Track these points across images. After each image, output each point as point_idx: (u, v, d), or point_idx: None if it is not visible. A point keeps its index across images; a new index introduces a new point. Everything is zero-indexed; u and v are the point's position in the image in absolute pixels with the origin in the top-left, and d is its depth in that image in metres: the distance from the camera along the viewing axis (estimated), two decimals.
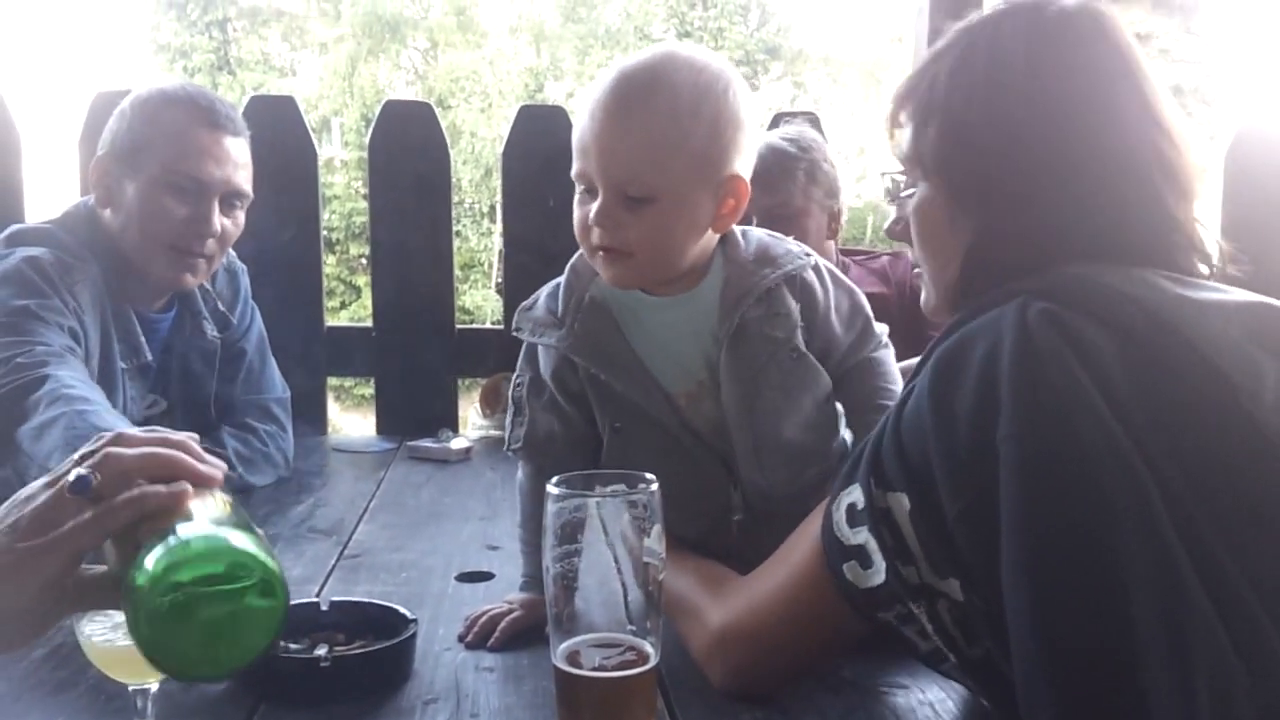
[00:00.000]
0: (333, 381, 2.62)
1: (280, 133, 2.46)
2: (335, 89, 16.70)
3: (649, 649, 0.92)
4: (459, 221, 15.22)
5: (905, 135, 1.02)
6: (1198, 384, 0.82)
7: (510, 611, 1.23)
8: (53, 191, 2.82)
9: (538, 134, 2.54)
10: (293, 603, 0.78)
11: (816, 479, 1.24)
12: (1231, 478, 0.80)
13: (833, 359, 1.29)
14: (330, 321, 2.59)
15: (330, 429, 2.66)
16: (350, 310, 14.19)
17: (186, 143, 1.74)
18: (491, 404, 2.47)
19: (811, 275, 1.28)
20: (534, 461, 1.31)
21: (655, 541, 0.92)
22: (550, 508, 0.92)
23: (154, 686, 0.93)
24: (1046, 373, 0.80)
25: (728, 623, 1.06)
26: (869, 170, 15.65)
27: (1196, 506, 0.78)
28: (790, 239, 1.32)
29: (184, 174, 1.73)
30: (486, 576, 1.44)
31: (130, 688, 0.94)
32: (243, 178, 1.82)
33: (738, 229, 1.29)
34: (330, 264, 14.76)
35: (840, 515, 0.92)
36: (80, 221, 1.80)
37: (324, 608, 1.18)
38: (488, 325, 3.02)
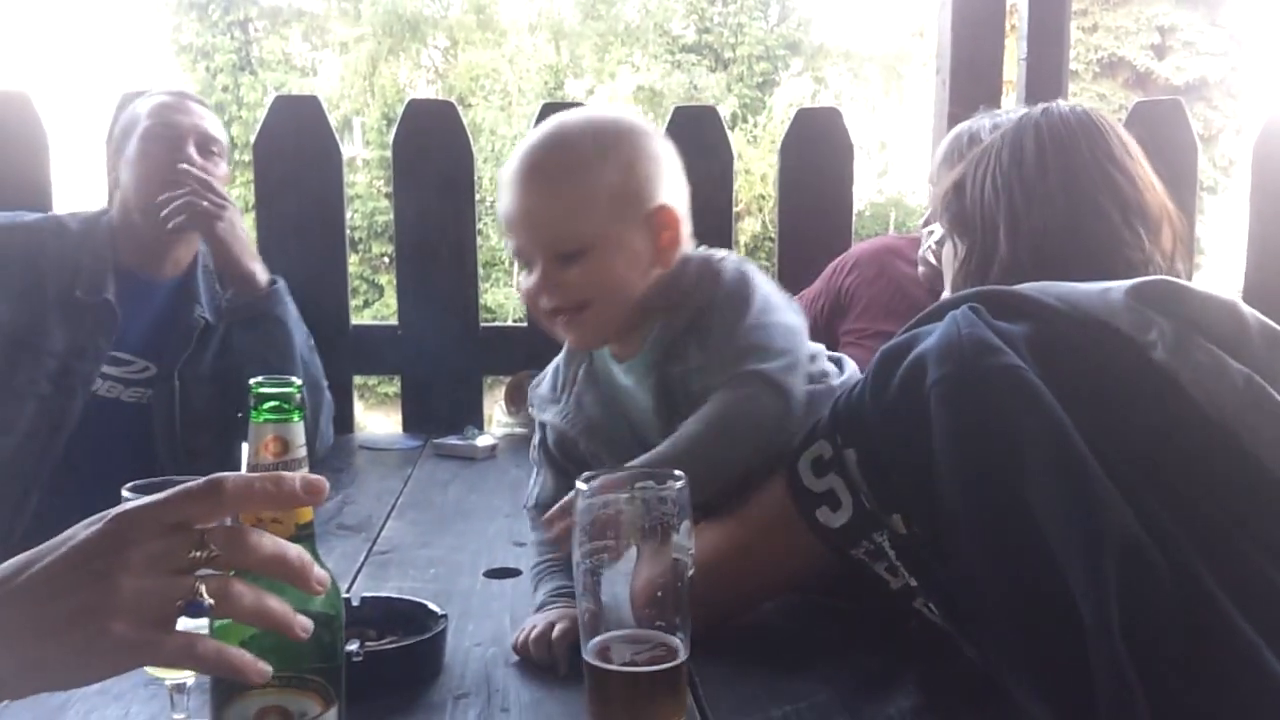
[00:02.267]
0: (358, 380, 2.64)
1: (304, 132, 2.48)
2: (356, 88, 16.75)
3: (678, 644, 0.92)
4: (480, 219, 15.17)
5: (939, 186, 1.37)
6: (1095, 338, 0.98)
7: (551, 626, 1.16)
8: (81, 191, 2.84)
9: None
10: None
11: None
12: (1131, 410, 0.95)
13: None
14: (354, 320, 2.61)
15: (355, 427, 2.67)
16: (373, 309, 14.23)
17: (154, 111, 2.00)
18: (516, 401, 2.47)
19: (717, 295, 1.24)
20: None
21: (684, 537, 0.92)
22: (580, 504, 0.92)
23: (190, 680, 0.94)
24: (964, 337, 0.97)
25: None
26: (890, 166, 15.59)
27: (1099, 438, 0.90)
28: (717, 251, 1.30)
29: (156, 125, 1.98)
30: (514, 573, 1.45)
31: (166, 682, 0.95)
32: (211, 128, 2.04)
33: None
34: (353, 263, 14.79)
35: (804, 468, 1.08)
36: (92, 211, 2.07)
37: (355, 604, 1.19)
38: (511, 323, 3.02)
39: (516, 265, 1.28)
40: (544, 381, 1.38)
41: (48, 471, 1.91)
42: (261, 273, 2.01)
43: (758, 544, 1.15)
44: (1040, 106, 1.28)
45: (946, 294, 1.29)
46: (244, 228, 2.02)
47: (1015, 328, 0.98)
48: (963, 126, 1.86)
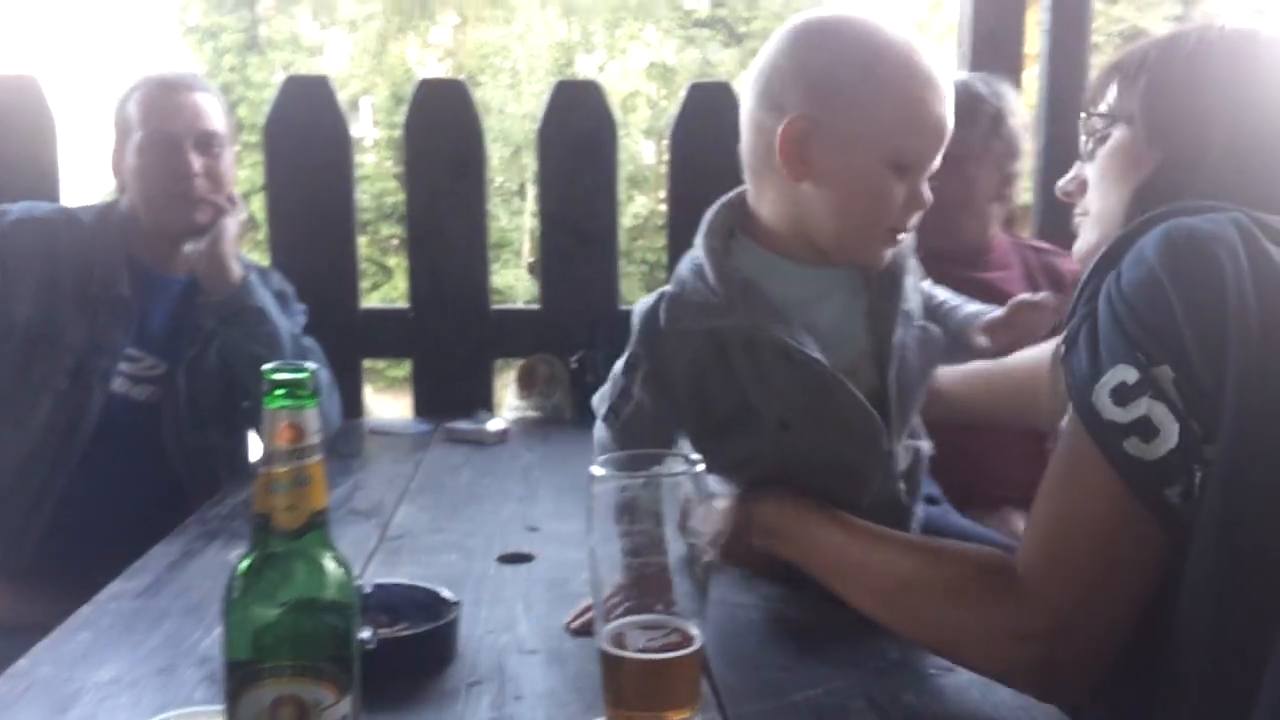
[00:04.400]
0: (366, 363, 2.63)
1: (315, 114, 2.47)
2: (365, 67, 16.73)
3: (694, 631, 0.91)
4: (489, 200, 15.15)
5: (1111, 94, 1.14)
6: None
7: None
8: (89, 175, 2.83)
9: (573, 110, 2.52)
10: None
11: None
12: None
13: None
14: (364, 304, 2.60)
15: (365, 411, 2.67)
16: (381, 291, 14.25)
17: (152, 107, 1.98)
18: (528, 385, 2.47)
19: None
20: (625, 444, 1.20)
21: (699, 522, 0.91)
22: (594, 490, 0.91)
23: None
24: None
25: (1057, 617, 0.95)
26: None
27: None
28: None
29: (155, 131, 1.96)
30: (527, 558, 1.44)
31: None
32: (210, 123, 2.00)
33: None
34: (362, 245, 14.77)
35: (1104, 401, 0.92)
36: (102, 203, 2.08)
37: (367, 590, 1.18)
38: (522, 305, 3.00)
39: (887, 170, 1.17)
40: (686, 291, 1.21)
41: (66, 467, 1.90)
42: (238, 269, 1.99)
43: (1104, 539, 0.95)
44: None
45: (1100, 213, 1.16)
46: (233, 227, 2.01)
47: None
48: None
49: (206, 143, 1.99)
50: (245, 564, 0.75)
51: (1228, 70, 1.08)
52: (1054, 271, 2.04)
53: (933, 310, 1.33)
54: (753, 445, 1.22)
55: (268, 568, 0.74)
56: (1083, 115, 1.19)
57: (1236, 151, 1.05)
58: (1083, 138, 1.19)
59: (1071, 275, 2.00)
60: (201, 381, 2.00)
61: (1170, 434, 0.89)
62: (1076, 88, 2.52)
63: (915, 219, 1.20)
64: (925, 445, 1.32)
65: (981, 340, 1.33)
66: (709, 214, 1.27)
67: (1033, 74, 2.59)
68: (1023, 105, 2.08)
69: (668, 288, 1.25)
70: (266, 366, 0.75)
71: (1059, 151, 2.52)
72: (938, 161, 1.19)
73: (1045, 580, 0.96)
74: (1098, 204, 1.17)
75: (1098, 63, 2.46)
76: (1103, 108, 1.16)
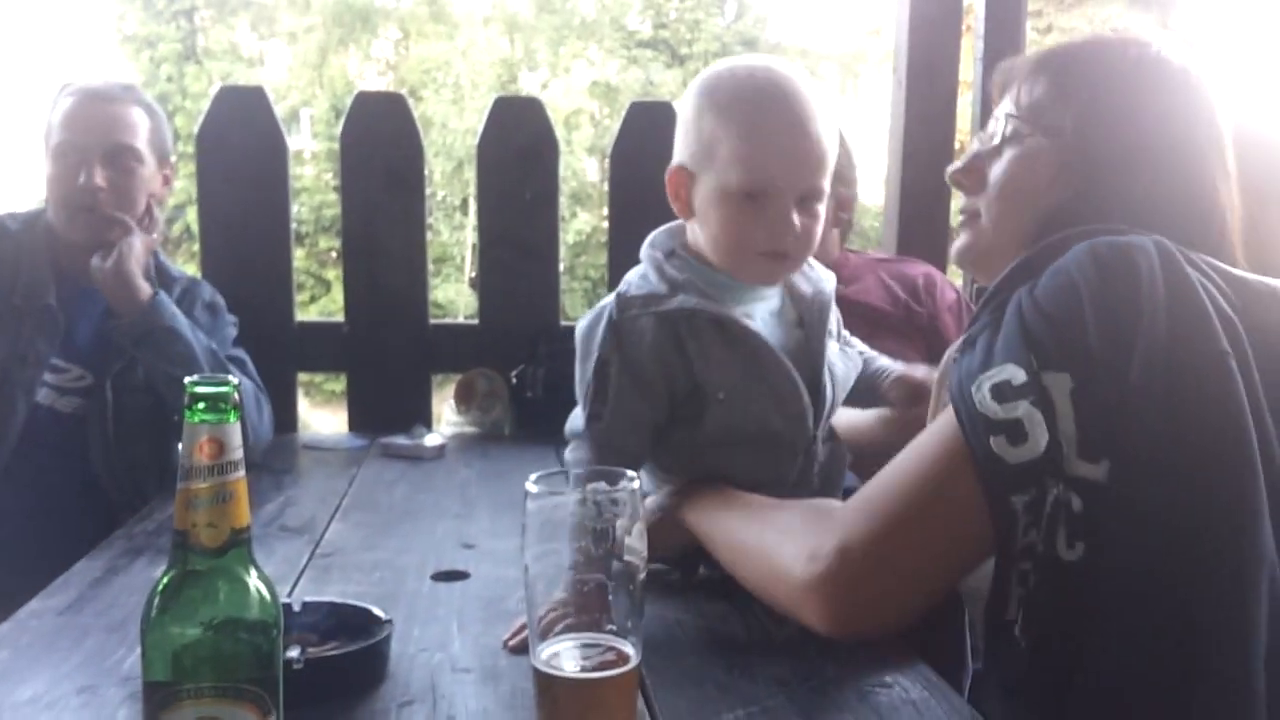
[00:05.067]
0: (303, 377, 2.59)
1: (250, 125, 2.44)
2: (305, 79, 16.58)
3: (630, 649, 0.90)
4: (431, 215, 15.17)
5: (1036, 92, 1.11)
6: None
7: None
8: (23, 184, 2.77)
9: (513, 125, 2.52)
10: None
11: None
12: None
13: None
14: (301, 316, 2.56)
15: (300, 426, 2.63)
16: (320, 304, 14.11)
17: (68, 116, 1.96)
18: (466, 400, 2.45)
19: None
20: (614, 445, 1.27)
21: (636, 540, 0.90)
22: (529, 506, 0.90)
23: None
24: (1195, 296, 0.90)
25: (847, 539, 0.99)
26: None
27: None
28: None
29: (65, 142, 1.95)
30: (462, 576, 1.42)
31: None
32: (123, 136, 1.98)
33: None
34: (300, 257, 14.65)
35: (984, 393, 0.92)
36: (30, 211, 2.04)
37: (296, 609, 1.16)
38: (461, 320, 2.99)
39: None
40: (632, 287, 1.32)
41: None
42: (145, 288, 1.95)
43: (927, 497, 0.97)
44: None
45: (998, 218, 1.15)
46: (139, 246, 1.97)
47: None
48: None
49: (117, 157, 1.96)
50: (164, 582, 0.73)
51: (1166, 105, 1.07)
52: (904, 277, 2.13)
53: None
54: (702, 425, 1.30)
55: (187, 586, 0.72)
56: (1007, 112, 1.15)
57: (1161, 189, 1.04)
58: (994, 128, 1.16)
59: (923, 278, 2.08)
60: (129, 394, 1.96)
61: (1038, 444, 0.89)
62: None
63: (792, 242, 1.28)
64: (843, 447, 1.42)
65: (891, 394, 1.48)
66: (653, 234, 1.38)
67: (967, 100, 2.64)
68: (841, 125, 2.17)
69: (607, 300, 1.31)
70: (188, 379, 0.73)
71: None
72: (810, 186, 1.26)
73: (854, 510, 1.00)
74: (996, 212, 1.15)
75: None
76: (1021, 105, 1.13)
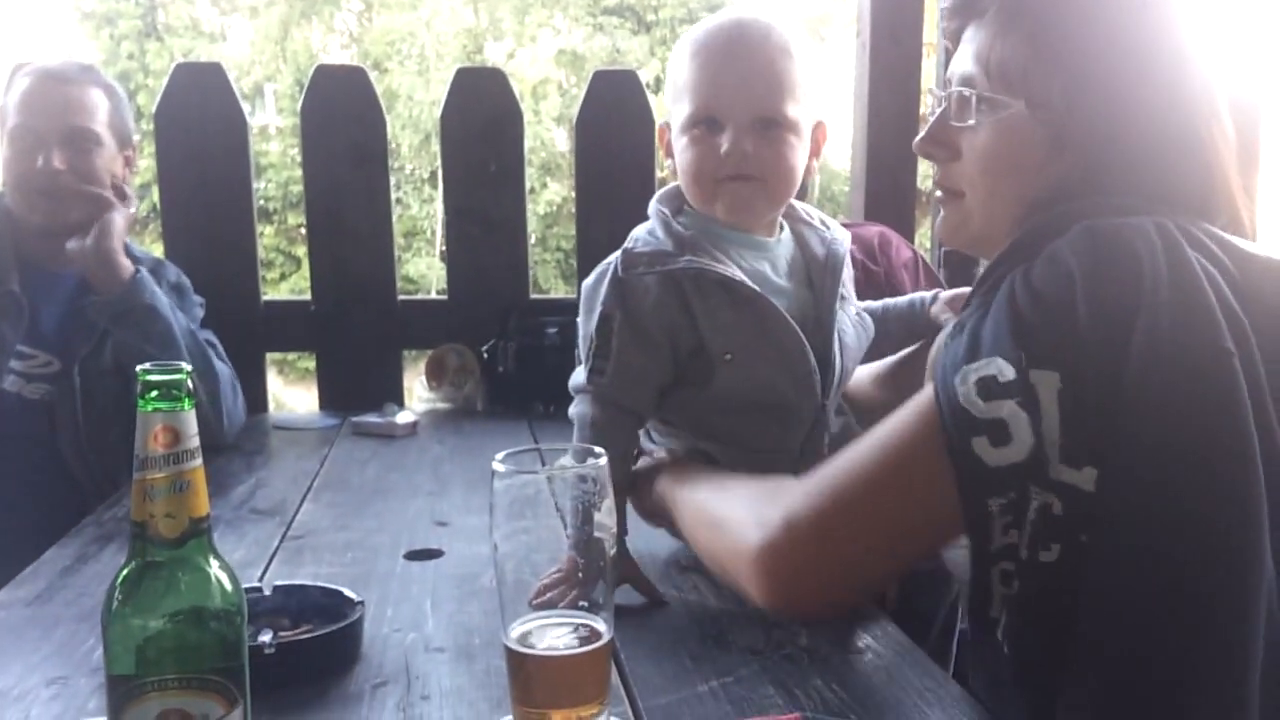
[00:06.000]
0: (276, 356, 2.57)
1: (208, 101, 2.40)
2: (268, 54, 16.35)
3: (602, 626, 0.90)
4: (399, 189, 15.02)
5: (1010, 57, 1.00)
6: None
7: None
8: None
9: (476, 97, 2.49)
10: None
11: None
12: None
13: None
14: (270, 294, 2.54)
15: (274, 404, 2.61)
16: (290, 281, 13.97)
17: (24, 98, 1.93)
18: (437, 376, 2.43)
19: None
20: (617, 401, 1.28)
21: (606, 516, 0.90)
22: (497, 485, 0.89)
23: None
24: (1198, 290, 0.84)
25: (795, 510, 0.94)
26: None
27: None
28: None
29: (21, 125, 1.92)
30: (436, 554, 1.42)
31: None
32: (81, 118, 1.95)
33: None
34: (269, 235, 14.49)
35: (968, 386, 0.86)
36: None
37: (267, 592, 1.15)
38: (432, 295, 2.96)
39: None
40: (637, 244, 1.32)
41: None
42: (127, 265, 1.93)
43: (889, 478, 0.92)
44: None
45: (987, 197, 1.05)
46: (120, 221, 1.94)
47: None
48: None
49: (75, 139, 1.93)
50: (123, 574, 0.72)
51: (1153, 68, 0.98)
52: (860, 239, 2.11)
53: (869, 312, 1.48)
54: (709, 387, 1.29)
55: (147, 577, 0.71)
56: (971, 73, 1.03)
57: (1154, 156, 0.97)
58: (962, 89, 1.04)
59: (879, 237, 2.14)
60: (98, 379, 1.94)
61: (1021, 447, 0.83)
62: None
63: (754, 164, 1.29)
64: (854, 421, 1.40)
65: (945, 317, 1.45)
66: (661, 190, 1.39)
67: (932, 63, 2.63)
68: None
69: (613, 256, 1.32)
70: (141, 367, 0.71)
71: None
72: (763, 110, 1.28)
73: (811, 483, 0.95)
74: (984, 191, 1.05)
75: None
76: (991, 65, 1.01)
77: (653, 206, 1.36)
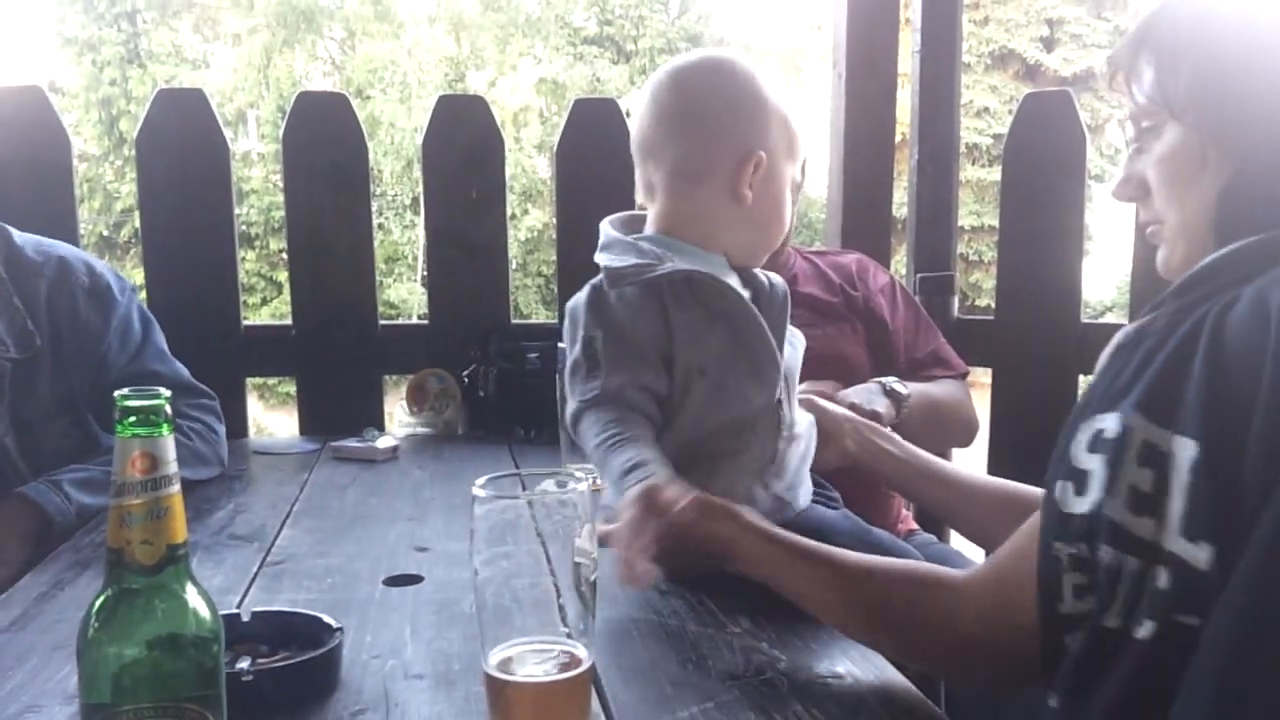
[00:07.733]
0: (257, 380, 2.56)
1: (190, 127, 2.41)
2: (250, 81, 16.37)
3: (583, 652, 0.90)
4: (381, 214, 15.03)
5: (1147, 80, 0.99)
6: None
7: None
8: None
9: (458, 124, 2.50)
10: None
11: None
12: None
13: None
14: (251, 319, 2.53)
15: (255, 428, 2.61)
16: (272, 306, 13.94)
17: None
18: (418, 400, 2.43)
19: None
20: (611, 411, 1.30)
21: (586, 541, 0.90)
22: (478, 510, 0.89)
23: None
24: None
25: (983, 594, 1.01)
26: None
27: None
28: None
29: None
30: (415, 580, 1.41)
31: None
32: None
33: None
34: (250, 260, 14.46)
35: (1083, 439, 0.87)
36: None
37: (245, 619, 1.14)
38: (413, 320, 2.96)
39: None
40: (616, 261, 1.34)
41: None
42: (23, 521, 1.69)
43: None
44: None
45: (1176, 226, 1.01)
46: None
47: None
48: None
49: None
50: (99, 602, 0.72)
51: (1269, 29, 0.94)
52: (839, 266, 2.18)
53: None
54: (686, 406, 1.32)
55: (124, 605, 0.70)
56: (1130, 110, 1.03)
57: None
58: (1129, 128, 1.05)
59: (856, 264, 2.17)
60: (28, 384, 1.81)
61: (1091, 497, 0.83)
62: (948, 107, 2.61)
63: None
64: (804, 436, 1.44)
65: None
66: (609, 220, 1.44)
67: (906, 93, 2.66)
68: None
69: (587, 287, 1.36)
70: (119, 392, 0.71)
71: (935, 167, 2.61)
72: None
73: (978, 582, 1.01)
74: (1174, 214, 1.02)
75: (969, 82, 2.52)
76: (1141, 95, 1.00)
77: (614, 235, 1.39)
